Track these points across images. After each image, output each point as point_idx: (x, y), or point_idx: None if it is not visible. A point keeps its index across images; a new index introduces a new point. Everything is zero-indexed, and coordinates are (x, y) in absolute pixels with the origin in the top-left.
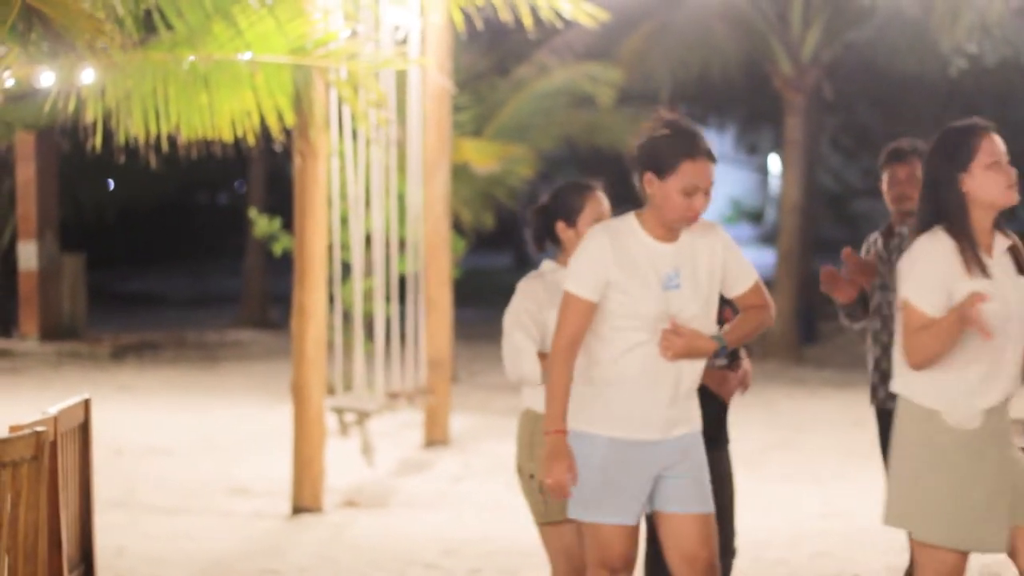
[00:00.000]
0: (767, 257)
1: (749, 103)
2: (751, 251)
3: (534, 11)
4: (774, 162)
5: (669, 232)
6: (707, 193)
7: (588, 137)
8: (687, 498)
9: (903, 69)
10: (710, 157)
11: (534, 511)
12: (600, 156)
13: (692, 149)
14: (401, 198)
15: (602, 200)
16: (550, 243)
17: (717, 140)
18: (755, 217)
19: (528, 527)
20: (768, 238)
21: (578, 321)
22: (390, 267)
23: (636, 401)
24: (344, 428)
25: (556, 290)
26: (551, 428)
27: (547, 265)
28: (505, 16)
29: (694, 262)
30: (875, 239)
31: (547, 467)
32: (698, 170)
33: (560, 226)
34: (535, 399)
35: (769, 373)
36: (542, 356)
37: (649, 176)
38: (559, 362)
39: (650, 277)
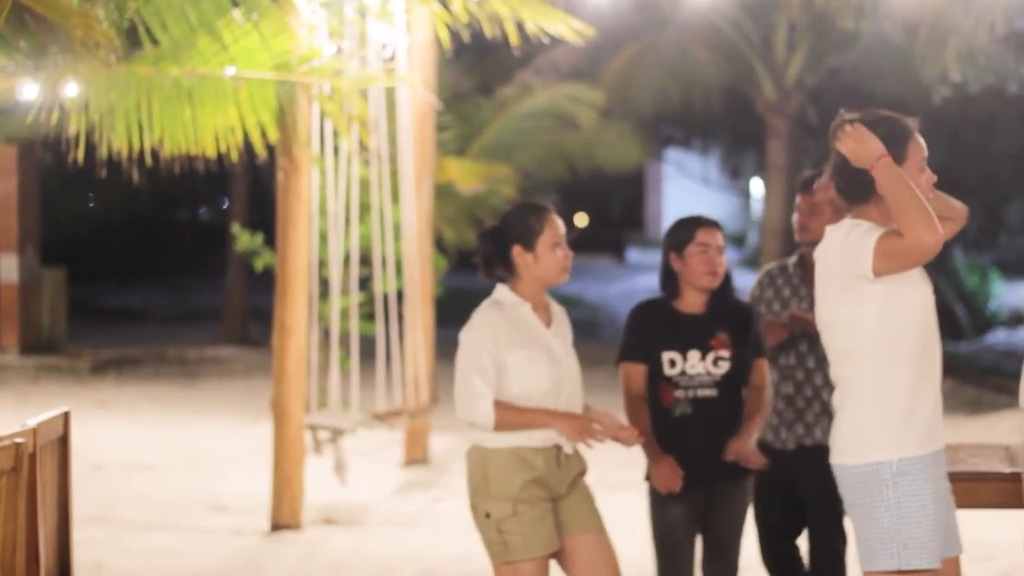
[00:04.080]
0: (749, 280)
1: (732, 127)
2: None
3: (520, 27)
4: (757, 186)
5: None
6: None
7: (573, 158)
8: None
9: (887, 95)
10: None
11: (491, 551)
12: (584, 178)
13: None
14: (383, 215)
15: (559, 222)
16: (501, 269)
17: (700, 163)
18: (737, 240)
19: None
20: (750, 261)
21: None
22: (371, 285)
23: None
24: (318, 446)
25: (519, 328)
26: None
27: (504, 294)
28: (491, 31)
29: None
30: (782, 268)
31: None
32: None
33: (516, 250)
34: (484, 436)
35: None
36: (498, 404)
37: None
38: None
39: None
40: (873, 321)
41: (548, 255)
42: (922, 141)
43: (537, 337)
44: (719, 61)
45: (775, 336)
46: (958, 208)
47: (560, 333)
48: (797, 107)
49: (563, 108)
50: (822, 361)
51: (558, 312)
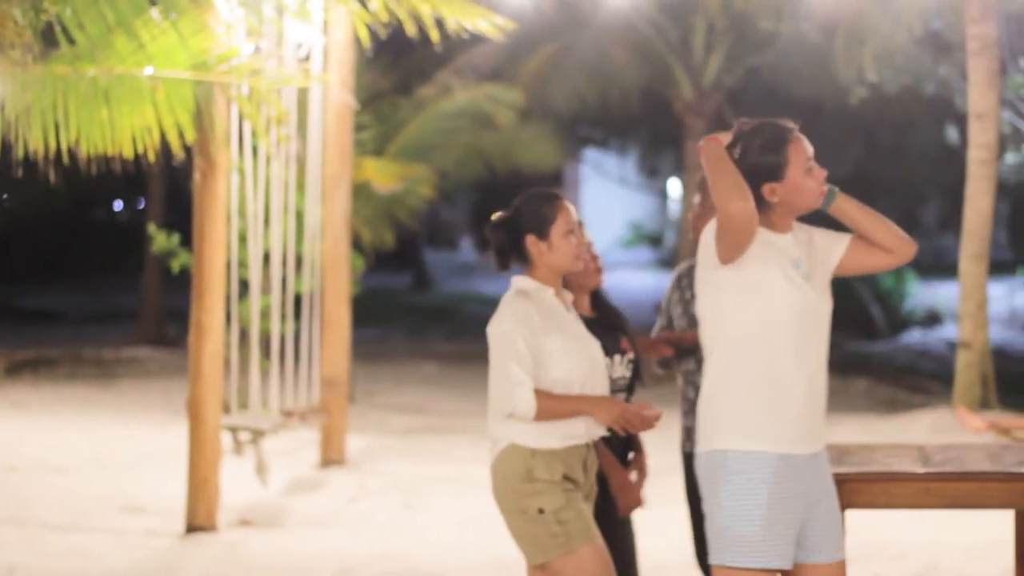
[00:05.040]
0: (664, 281)
1: (650, 127)
2: (650, 274)
3: (440, 25)
4: (674, 186)
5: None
6: None
7: (491, 159)
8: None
9: (804, 96)
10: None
11: (548, 548)
12: (502, 178)
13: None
14: (300, 215)
15: (571, 209)
16: (515, 259)
17: (618, 163)
18: (654, 241)
19: (425, 545)
20: (667, 262)
21: None
22: (287, 285)
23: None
24: (239, 447)
25: (552, 313)
26: None
27: (525, 283)
28: (411, 30)
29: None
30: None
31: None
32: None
33: (530, 239)
34: (523, 434)
35: None
36: (537, 392)
37: None
38: None
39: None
40: (728, 311)
41: (562, 243)
42: (805, 143)
43: (566, 321)
44: (637, 61)
45: (657, 353)
46: (903, 241)
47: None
48: (715, 108)
49: (481, 108)
50: None
51: (568, 298)
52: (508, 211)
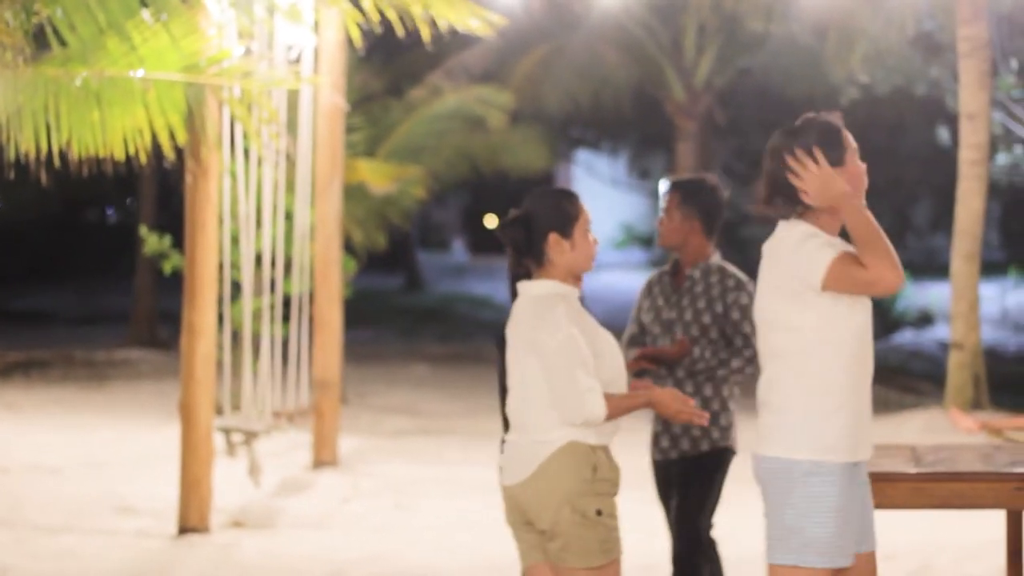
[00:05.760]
0: None
1: (642, 128)
2: (641, 275)
3: (432, 24)
4: (666, 187)
5: None
6: None
7: (482, 160)
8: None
9: (796, 96)
10: None
11: (593, 553)
12: (493, 179)
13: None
14: (291, 217)
15: (586, 207)
16: (530, 260)
17: (610, 165)
18: (646, 242)
19: (417, 546)
20: (659, 262)
21: None
22: (277, 286)
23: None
24: (232, 448)
25: (583, 314)
26: None
27: (554, 287)
28: (401, 30)
29: None
30: (660, 275)
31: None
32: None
33: (553, 238)
34: (582, 432)
35: None
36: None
37: None
38: None
39: None
40: (810, 329)
41: (584, 242)
42: (850, 136)
43: (593, 321)
44: (628, 63)
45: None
46: (890, 264)
47: None
48: (706, 108)
49: (472, 110)
50: (696, 374)
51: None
52: (522, 209)
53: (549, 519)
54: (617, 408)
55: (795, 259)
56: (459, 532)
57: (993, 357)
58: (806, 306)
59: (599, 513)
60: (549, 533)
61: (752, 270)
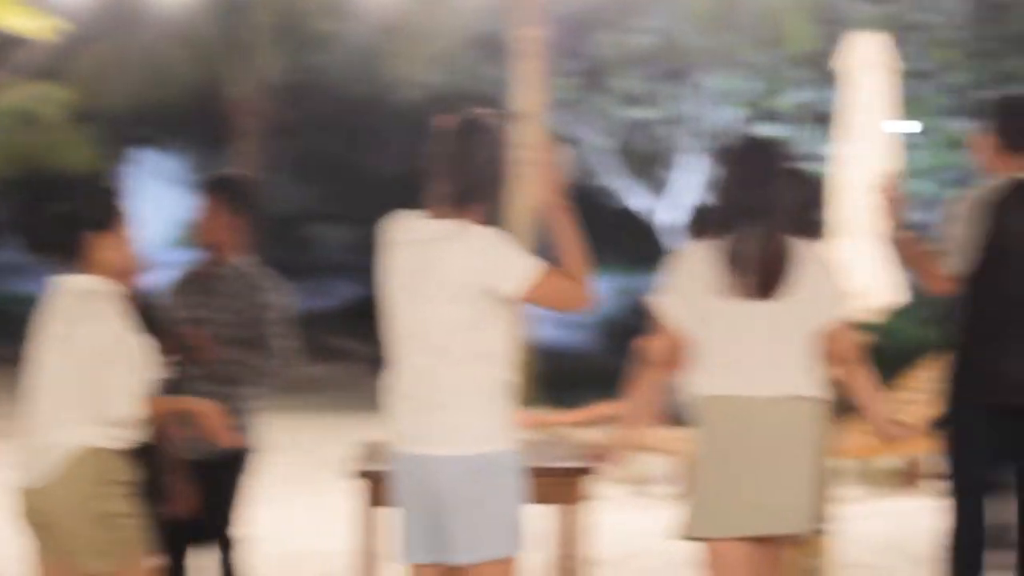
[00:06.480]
0: None
1: (206, 127)
2: None
3: None
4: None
5: None
6: None
7: (36, 159)
8: None
9: (358, 95)
10: None
11: (112, 553)
12: (53, 177)
13: None
14: None
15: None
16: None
17: (178, 164)
18: None
19: None
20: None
21: None
22: None
23: None
24: None
25: (127, 319)
26: None
27: (91, 283)
28: None
29: None
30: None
31: None
32: None
33: (92, 235)
34: (105, 433)
35: None
36: None
37: None
38: None
39: None
40: (498, 328)
41: (124, 240)
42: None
43: (135, 325)
44: (193, 60)
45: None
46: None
47: None
48: (269, 107)
49: (28, 108)
50: (223, 375)
51: None
52: (63, 204)
53: (68, 522)
54: (153, 410)
55: (485, 262)
56: None
57: (551, 355)
58: (489, 311)
59: (118, 515)
60: (68, 535)
61: (315, 268)
